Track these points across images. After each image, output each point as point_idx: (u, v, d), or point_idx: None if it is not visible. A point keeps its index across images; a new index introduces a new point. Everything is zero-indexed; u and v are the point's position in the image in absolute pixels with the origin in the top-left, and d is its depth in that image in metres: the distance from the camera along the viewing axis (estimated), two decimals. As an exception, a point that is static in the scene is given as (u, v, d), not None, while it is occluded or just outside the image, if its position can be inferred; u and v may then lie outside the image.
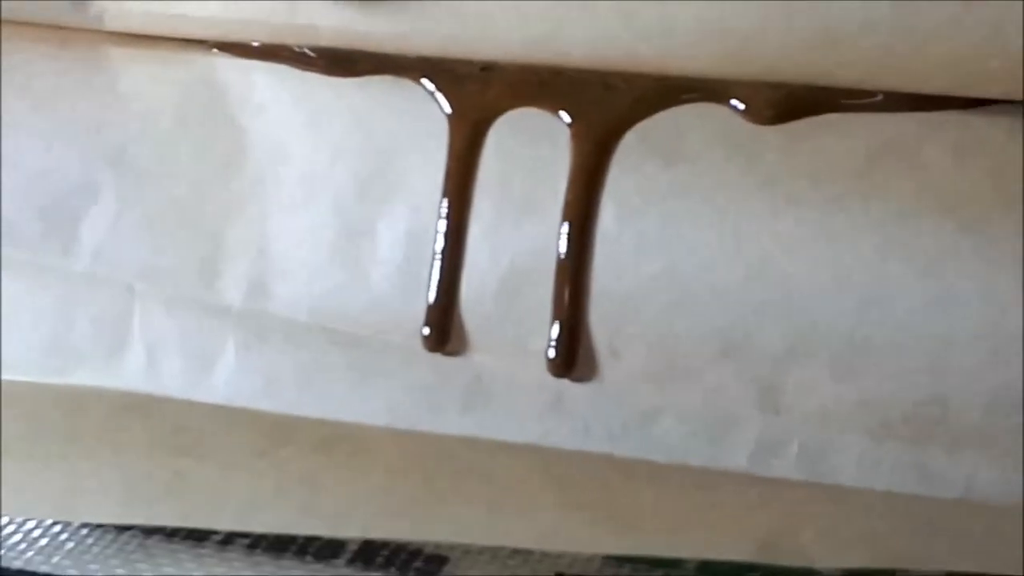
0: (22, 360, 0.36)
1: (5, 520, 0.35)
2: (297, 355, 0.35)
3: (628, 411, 0.34)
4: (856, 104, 0.32)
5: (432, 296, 0.34)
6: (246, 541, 0.35)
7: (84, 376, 0.36)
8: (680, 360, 0.33)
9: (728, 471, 0.34)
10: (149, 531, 0.35)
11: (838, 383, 0.32)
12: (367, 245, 0.34)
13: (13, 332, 0.36)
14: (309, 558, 0.34)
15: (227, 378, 0.36)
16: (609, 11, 0.32)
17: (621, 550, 0.34)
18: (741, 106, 0.33)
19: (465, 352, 0.34)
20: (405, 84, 0.34)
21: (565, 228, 0.33)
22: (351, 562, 0.34)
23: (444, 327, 0.34)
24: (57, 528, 0.35)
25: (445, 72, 0.34)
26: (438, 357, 0.34)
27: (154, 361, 0.36)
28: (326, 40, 0.34)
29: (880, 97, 0.32)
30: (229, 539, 0.35)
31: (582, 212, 0.33)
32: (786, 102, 0.32)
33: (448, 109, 0.34)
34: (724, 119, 0.33)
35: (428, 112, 0.34)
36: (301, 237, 0.35)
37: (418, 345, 0.34)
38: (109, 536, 0.35)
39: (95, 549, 0.35)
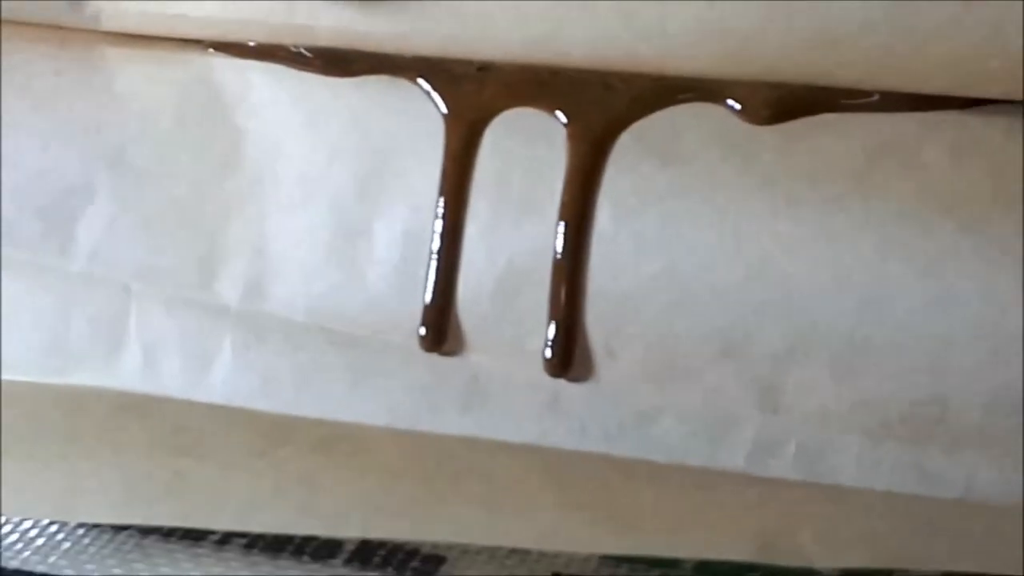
0: (20, 360, 0.37)
1: (2, 520, 0.35)
2: (295, 355, 0.35)
3: (625, 411, 0.34)
4: (854, 104, 0.32)
5: (429, 296, 0.34)
6: (243, 541, 0.35)
7: (82, 376, 0.36)
8: (678, 360, 0.33)
9: (726, 471, 0.34)
10: (146, 531, 0.35)
11: (837, 383, 0.32)
12: (364, 245, 0.34)
13: (11, 332, 0.36)
14: (306, 558, 0.34)
15: (225, 378, 0.36)
16: (607, 11, 0.32)
17: (619, 550, 0.33)
18: (738, 106, 0.33)
19: (462, 352, 0.34)
20: (402, 84, 0.34)
21: (562, 228, 0.33)
22: (348, 562, 0.34)
23: (441, 327, 0.34)
24: (54, 528, 0.35)
25: (442, 72, 0.34)
26: (435, 357, 0.35)
27: (151, 361, 0.36)
28: (323, 40, 0.34)
29: (878, 97, 0.32)
30: (226, 539, 0.35)
31: (579, 212, 0.33)
32: (783, 102, 0.32)
33: (444, 109, 0.34)
34: (721, 119, 0.33)
35: (425, 112, 0.34)
36: (298, 237, 0.35)
37: (415, 345, 0.34)
38: (106, 536, 0.35)
39: (92, 549, 0.35)
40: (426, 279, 0.34)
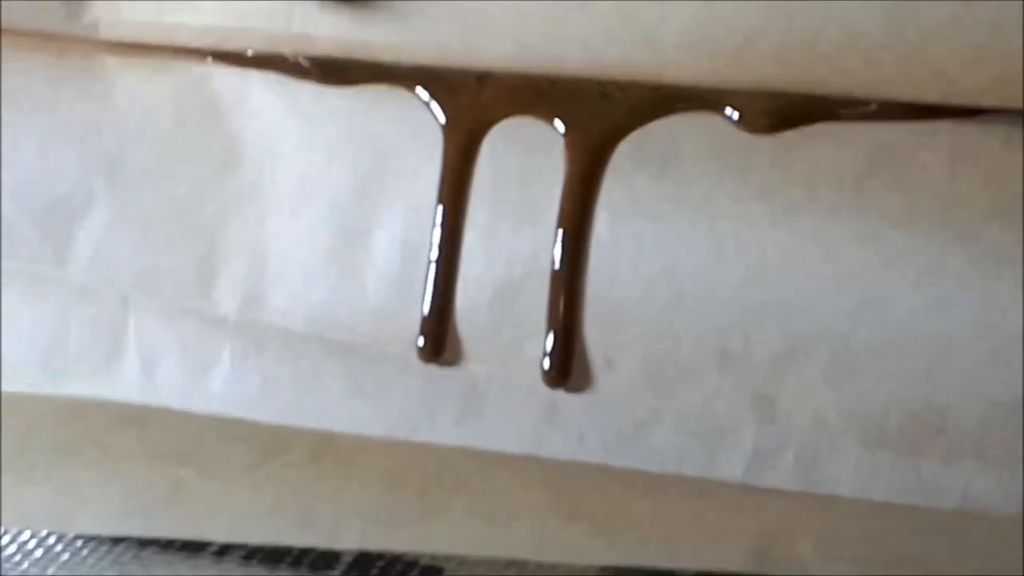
0: (18, 370, 0.37)
1: (1, 531, 0.35)
2: (293, 365, 0.35)
3: (623, 421, 0.34)
4: (852, 113, 0.32)
5: (427, 306, 0.34)
6: (241, 552, 0.35)
7: (80, 386, 0.36)
8: (676, 369, 0.33)
9: (724, 481, 0.34)
10: (144, 542, 0.35)
11: (834, 392, 0.32)
12: (362, 254, 0.34)
13: (9, 342, 0.36)
14: (304, 569, 0.34)
15: (223, 387, 0.36)
16: (606, 20, 0.32)
17: (617, 560, 0.34)
18: (736, 115, 0.32)
19: (460, 362, 0.34)
20: (400, 93, 0.34)
21: (560, 237, 0.33)
22: (346, 573, 0.34)
23: (439, 337, 0.34)
24: (52, 539, 0.35)
25: (440, 81, 0.34)
26: (433, 367, 0.34)
27: (150, 371, 0.36)
28: (321, 49, 0.34)
29: (876, 106, 0.32)
30: (224, 550, 0.35)
31: (577, 221, 0.33)
32: (782, 111, 0.32)
33: (443, 118, 0.34)
34: (719, 128, 0.33)
35: (423, 121, 0.34)
36: (296, 247, 0.35)
37: (414, 355, 0.34)
38: (104, 547, 0.35)
39: (90, 560, 0.35)
40: (424, 288, 0.34)
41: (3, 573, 0.34)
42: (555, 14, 0.33)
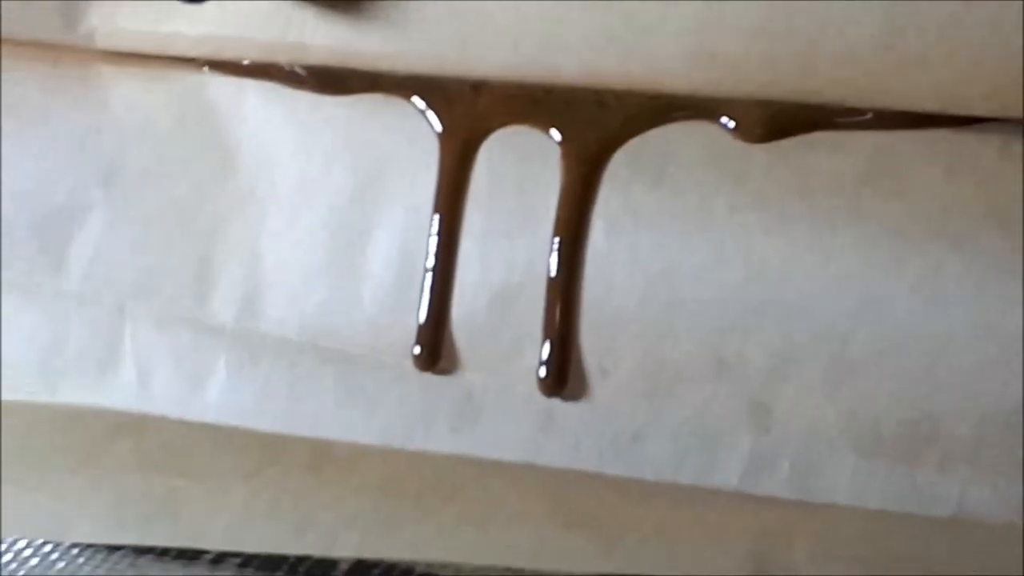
0: (15, 378, 0.37)
1: (-4, 540, 0.35)
2: (289, 373, 0.35)
3: (619, 429, 0.34)
4: (848, 122, 0.32)
5: (423, 314, 0.34)
6: (237, 560, 0.35)
7: (76, 395, 0.36)
8: (671, 377, 0.33)
9: (720, 489, 0.34)
10: (140, 550, 0.35)
11: (829, 399, 0.32)
12: (358, 262, 0.34)
13: (5, 350, 0.36)
14: (301, 577, 0.34)
15: (219, 396, 0.36)
16: (601, 29, 0.32)
17: (613, 568, 0.33)
18: (732, 124, 0.33)
19: (456, 370, 0.34)
20: (396, 102, 0.34)
21: (556, 245, 0.33)
22: (343, 581, 0.34)
23: (435, 346, 0.34)
24: (48, 548, 0.35)
25: (436, 90, 0.34)
26: (430, 375, 0.35)
27: (145, 380, 0.36)
28: (316, 58, 0.34)
29: (872, 115, 0.32)
30: (220, 558, 0.35)
31: (573, 229, 0.33)
32: (777, 120, 0.32)
33: (439, 127, 0.34)
34: (715, 137, 0.33)
35: (419, 130, 0.34)
36: (292, 255, 0.35)
37: (410, 364, 0.34)
38: (100, 556, 0.35)
39: (86, 569, 0.34)
40: (420, 297, 0.34)
41: (0, 581, 0.34)
42: (551, 23, 0.33)
